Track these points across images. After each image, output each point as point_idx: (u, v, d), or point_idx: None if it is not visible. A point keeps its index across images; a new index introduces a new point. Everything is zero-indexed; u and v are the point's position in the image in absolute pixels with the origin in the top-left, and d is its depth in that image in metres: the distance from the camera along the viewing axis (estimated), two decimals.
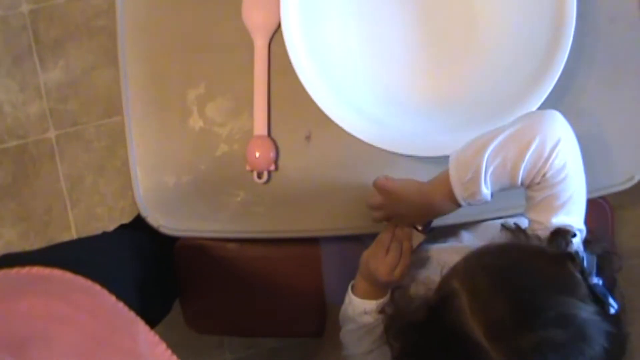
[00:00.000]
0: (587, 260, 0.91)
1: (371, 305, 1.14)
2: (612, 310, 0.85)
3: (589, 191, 1.12)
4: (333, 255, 1.36)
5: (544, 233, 0.98)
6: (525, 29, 1.15)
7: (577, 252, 0.90)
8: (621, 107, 1.20)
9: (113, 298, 0.94)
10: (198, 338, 1.50)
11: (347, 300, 1.19)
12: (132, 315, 0.93)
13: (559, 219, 1.00)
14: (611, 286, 0.94)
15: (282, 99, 1.22)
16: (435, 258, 1.18)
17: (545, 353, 0.82)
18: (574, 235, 0.98)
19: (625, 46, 1.20)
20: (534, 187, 1.01)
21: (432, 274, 1.08)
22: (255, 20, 1.21)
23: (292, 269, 1.38)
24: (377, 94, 1.20)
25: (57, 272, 0.94)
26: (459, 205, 1.05)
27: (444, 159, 1.08)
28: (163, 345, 0.91)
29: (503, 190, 1.02)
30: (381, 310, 1.10)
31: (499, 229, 1.04)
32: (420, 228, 1.13)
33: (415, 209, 1.10)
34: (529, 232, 1.01)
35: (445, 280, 0.93)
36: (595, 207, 1.32)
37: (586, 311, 0.84)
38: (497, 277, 0.89)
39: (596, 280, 0.88)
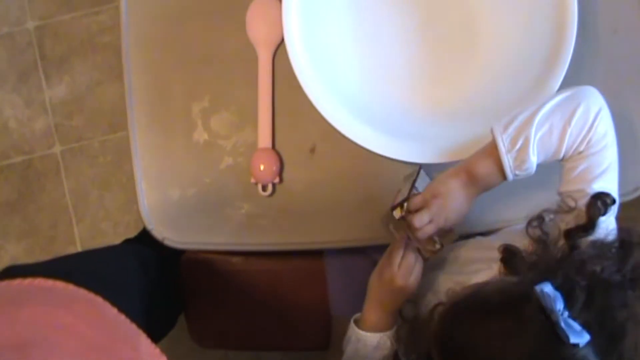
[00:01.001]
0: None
1: (384, 336, 1.11)
2: (575, 341, 0.79)
3: None
4: (337, 268, 1.36)
5: (581, 201, 0.99)
6: (526, 38, 1.16)
7: (541, 292, 0.83)
8: (624, 118, 1.20)
9: (115, 310, 0.94)
10: (203, 352, 1.50)
11: (352, 338, 1.15)
12: (134, 327, 0.94)
13: (599, 185, 1.01)
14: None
15: (286, 112, 1.23)
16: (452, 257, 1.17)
17: None
18: (614, 201, 0.99)
19: (628, 57, 1.20)
20: (575, 157, 1.02)
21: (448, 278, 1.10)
22: (259, 34, 1.22)
23: (296, 282, 1.38)
24: (380, 103, 1.21)
25: (59, 284, 0.94)
26: (504, 179, 1.03)
27: (449, 165, 1.08)
28: (164, 358, 0.91)
29: (545, 162, 1.03)
30: (397, 337, 1.04)
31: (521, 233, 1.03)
32: (438, 246, 1.09)
33: (461, 195, 1.05)
34: (562, 204, 1.01)
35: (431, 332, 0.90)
36: None
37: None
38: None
39: (563, 314, 0.81)
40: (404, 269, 1.08)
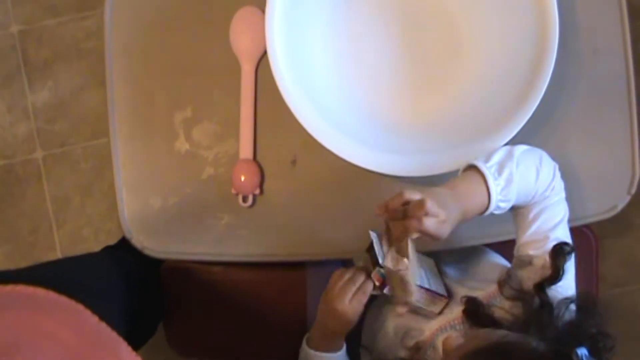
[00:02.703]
0: (587, 358, 0.86)
1: (331, 357, 1.12)
2: None
3: (573, 219, 1.13)
4: (318, 280, 1.36)
5: (539, 251, 1.02)
6: (508, 55, 1.17)
7: (578, 355, 0.85)
8: (603, 137, 1.21)
9: (96, 318, 0.94)
10: None
11: (302, 353, 1.16)
12: (114, 335, 0.94)
13: (558, 234, 1.05)
14: None
15: (268, 124, 1.23)
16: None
17: None
18: (573, 249, 1.02)
19: (608, 77, 1.21)
20: (539, 204, 1.06)
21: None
22: (242, 46, 1.22)
23: (276, 293, 1.38)
24: (363, 116, 1.21)
25: (40, 291, 0.94)
26: (482, 212, 1.02)
27: (431, 179, 1.09)
28: None
29: (517, 203, 1.05)
30: None
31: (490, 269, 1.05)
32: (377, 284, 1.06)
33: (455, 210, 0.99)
34: (521, 258, 1.04)
35: None
36: (580, 237, 1.32)
37: None
38: None
39: None
40: (345, 292, 1.07)
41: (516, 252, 1.07)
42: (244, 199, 1.22)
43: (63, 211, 1.98)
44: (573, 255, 1.02)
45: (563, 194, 1.09)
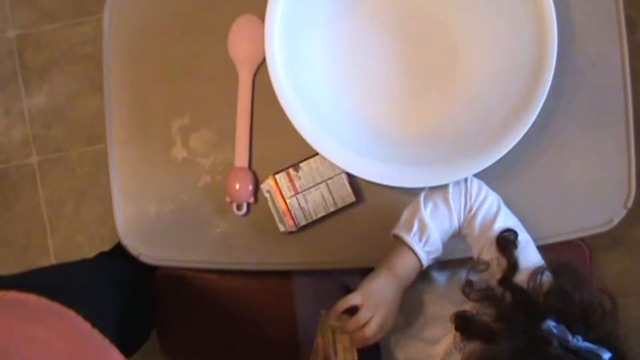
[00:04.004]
0: (556, 328, 0.87)
1: None
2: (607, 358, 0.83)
3: (568, 232, 1.14)
4: (305, 290, 1.35)
5: (492, 249, 1.04)
6: (506, 68, 1.17)
7: (546, 330, 0.87)
8: (600, 149, 1.21)
9: (88, 325, 0.94)
10: None
11: None
12: (106, 342, 0.94)
13: (498, 225, 1.06)
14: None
15: (264, 132, 1.23)
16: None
17: None
18: (516, 234, 1.04)
19: (605, 90, 1.21)
20: (469, 219, 1.08)
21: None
22: (240, 53, 1.22)
23: (270, 301, 1.37)
24: (361, 126, 1.21)
25: (32, 297, 0.94)
26: (420, 267, 1.08)
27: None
28: None
29: (448, 235, 1.10)
30: None
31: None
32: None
33: (394, 291, 1.07)
34: (478, 265, 1.05)
35: None
36: (575, 250, 1.32)
37: None
38: None
39: (575, 341, 0.85)
40: None
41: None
42: (239, 207, 1.22)
43: (57, 216, 1.97)
44: (520, 236, 1.04)
45: (485, 191, 1.10)
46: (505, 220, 1.08)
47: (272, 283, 1.36)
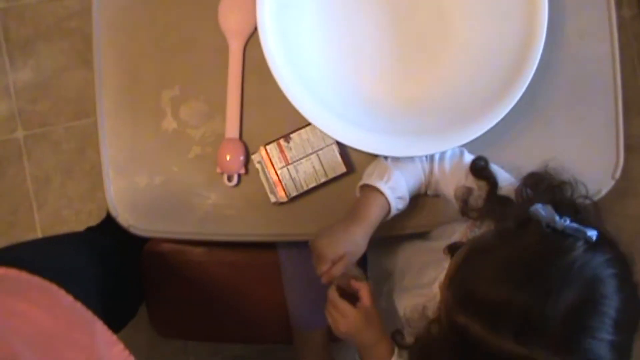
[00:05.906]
0: (544, 209, 0.90)
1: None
2: (594, 237, 0.86)
3: None
4: (291, 261, 1.36)
5: (469, 178, 1.12)
6: (496, 40, 1.17)
7: (533, 212, 0.90)
8: (588, 121, 1.22)
9: (70, 297, 0.94)
10: (164, 342, 1.50)
11: None
12: (89, 314, 0.94)
13: (467, 158, 1.15)
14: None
15: (254, 103, 1.23)
16: (414, 262, 1.20)
17: (576, 321, 0.82)
18: (487, 160, 1.12)
19: (594, 62, 1.23)
20: (440, 164, 1.16)
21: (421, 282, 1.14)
22: (231, 24, 1.22)
23: (258, 276, 1.38)
24: (352, 96, 1.22)
25: (12, 272, 0.94)
26: (388, 206, 1.12)
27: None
28: (121, 345, 0.92)
29: (417, 185, 1.17)
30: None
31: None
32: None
33: (359, 229, 1.11)
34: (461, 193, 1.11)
35: (448, 317, 0.91)
36: None
37: (582, 258, 0.85)
38: (492, 293, 0.86)
39: (562, 221, 0.88)
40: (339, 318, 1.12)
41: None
42: (229, 178, 1.22)
43: (43, 191, 1.96)
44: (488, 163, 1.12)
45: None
46: (470, 155, 1.14)
47: (262, 257, 1.37)
